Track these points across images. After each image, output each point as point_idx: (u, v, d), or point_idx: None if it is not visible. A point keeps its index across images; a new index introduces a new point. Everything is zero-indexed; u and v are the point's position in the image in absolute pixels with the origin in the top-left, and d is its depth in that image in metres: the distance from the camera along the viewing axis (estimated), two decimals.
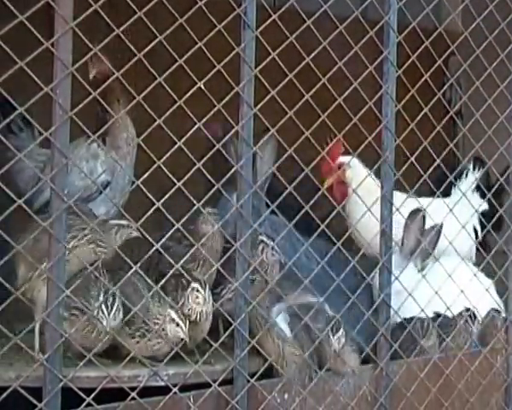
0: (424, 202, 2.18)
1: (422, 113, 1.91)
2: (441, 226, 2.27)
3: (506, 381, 2.20)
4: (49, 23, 1.32)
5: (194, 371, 1.56)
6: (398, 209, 1.92)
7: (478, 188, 2.60)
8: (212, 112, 1.53)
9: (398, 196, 2.01)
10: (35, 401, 1.30)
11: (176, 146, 1.45)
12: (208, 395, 1.56)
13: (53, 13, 1.31)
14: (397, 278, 1.91)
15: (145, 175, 1.41)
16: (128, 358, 1.52)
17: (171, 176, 1.41)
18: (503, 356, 2.20)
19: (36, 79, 1.23)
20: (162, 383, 1.56)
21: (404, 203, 1.99)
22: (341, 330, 1.82)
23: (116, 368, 1.52)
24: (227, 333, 1.62)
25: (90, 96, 1.35)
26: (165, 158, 1.41)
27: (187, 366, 1.58)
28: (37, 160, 2.10)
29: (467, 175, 2.68)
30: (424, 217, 2.27)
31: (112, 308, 1.59)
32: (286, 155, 1.65)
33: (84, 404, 1.37)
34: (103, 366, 1.49)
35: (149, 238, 1.51)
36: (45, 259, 1.37)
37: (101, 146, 2.06)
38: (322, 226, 1.71)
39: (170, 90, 1.40)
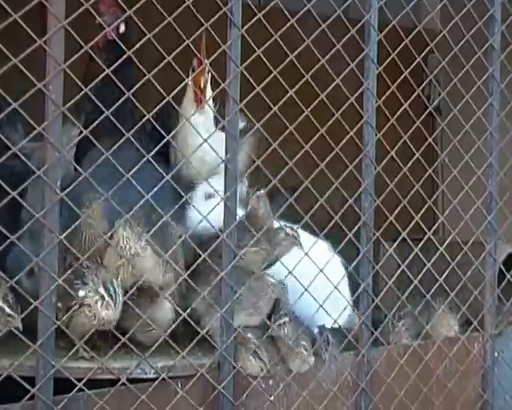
0: None
1: (402, 108, 1.95)
2: None
3: (483, 367, 2.26)
4: (42, 21, 1.36)
5: (182, 364, 1.60)
6: None
7: None
8: (199, 107, 1.58)
9: None
10: (28, 387, 1.34)
11: (164, 140, 1.50)
12: (195, 380, 1.60)
13: (46, 11, 1.35)
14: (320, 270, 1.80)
15: (133, 170, 1.46)
16: (116, 347, 1.51)
17: (161, 171, 1.46)
18: (480, 343, 2.26)
19: (30, 75, 1.27)
20: (151, 376, 1.60)
21: None
22: None
23: (107, 360, 1.54)
24: (212, 321, 1.66)
25: (82, 92, 1.40)
26: (153, 153, 1.47)
27: (175, 359, 1.62)
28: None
29: None
30: None
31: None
32: (270, 149, 1.70)
33: (76, 389, 1.41)
34: (94, 357, 1.53)
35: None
36: None
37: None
38: None
39: (158, 87, 1.45)
